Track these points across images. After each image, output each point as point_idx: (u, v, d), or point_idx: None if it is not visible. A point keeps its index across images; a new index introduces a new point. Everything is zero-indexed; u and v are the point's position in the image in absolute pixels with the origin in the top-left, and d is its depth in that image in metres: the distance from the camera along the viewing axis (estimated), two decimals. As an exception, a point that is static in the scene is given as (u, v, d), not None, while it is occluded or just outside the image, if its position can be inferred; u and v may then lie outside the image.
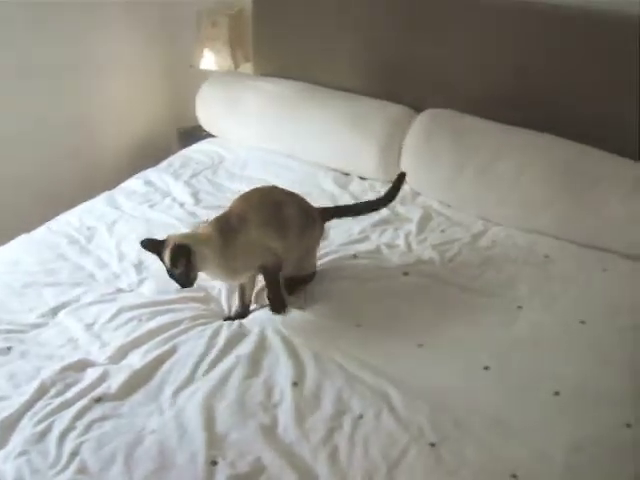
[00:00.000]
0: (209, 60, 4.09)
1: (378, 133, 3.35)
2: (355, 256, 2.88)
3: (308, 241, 2.65)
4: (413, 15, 3.45)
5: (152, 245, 2.41)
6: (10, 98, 3.68)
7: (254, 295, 2.66)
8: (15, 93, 3.69)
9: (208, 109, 3.96)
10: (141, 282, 2.75)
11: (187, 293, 2.60)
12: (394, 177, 3.21)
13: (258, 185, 2.80)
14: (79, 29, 3.95)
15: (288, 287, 2.65)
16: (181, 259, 2.31)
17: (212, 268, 2.44)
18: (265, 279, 2.58)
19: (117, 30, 4.21)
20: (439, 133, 3.25)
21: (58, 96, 3.92)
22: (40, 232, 3.06)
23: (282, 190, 2.68)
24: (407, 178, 3.12)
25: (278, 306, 2.58)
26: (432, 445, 2.01)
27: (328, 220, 2.79)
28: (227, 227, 2.45)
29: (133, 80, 4.41)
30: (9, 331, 2.47)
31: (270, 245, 2.51)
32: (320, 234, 2.74)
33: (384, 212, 3.15)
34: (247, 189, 2.72)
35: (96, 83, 4.15)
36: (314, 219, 2.67)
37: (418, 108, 3.44)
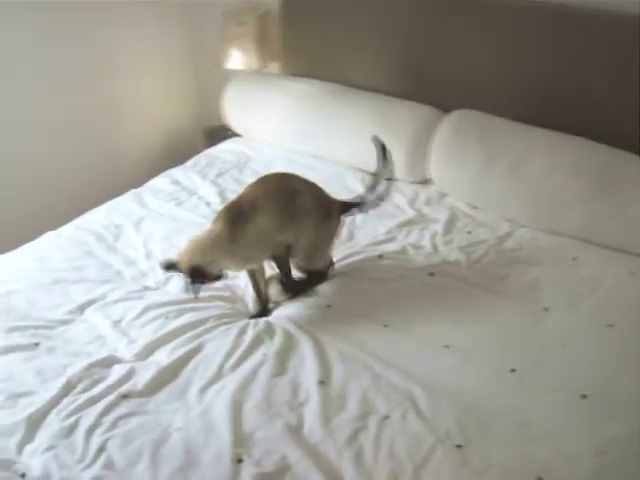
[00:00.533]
0: (236, 59, 4.09)
1: (406, 134, 3.34)
2: (381, 256, 2.87)
3: (322, 233, 2.64)
4: (442, 16, 3.44)
5: (172, 266, 2.44)
6: (39, 98, 3.71)
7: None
8: (44, 93, 3.73)
9: (234, 108, 3.97)
10: (168, 280, 2.75)
11: (213, 292, 2.62)
12: (421, 178, 3.25)
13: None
14: (105, 29, 3.97)
15: (299, 283, 2.68)
16: (198, 280, 2.38)
17: (224, 263, 2.46)
18: (276, 264, 2.60)
19: (143, 30, 4.22)
20: (467, 134, 3.24)
21: (86, 96, 3.94)
22: (67, 229, 3.09)
23: (301, 179, 2.66)
24: (434, 179, 3.13)
25: (291, 287, 2.61)
26: (458, 447, 2.00)
27: (348, 213, 2.77)
28: (237, 217, 2.46)
29: (160, 79, 4.42)
30: (37, 327, 2.48)
31: (279, 237, 2.52)
32: (336, 228, 2.71)
33: (410, 213, 3.18)
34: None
35: (123, 83, 4.17)
36: (330, 212, 2.66)
37: (446, 109, 3.43)
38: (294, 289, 2.62)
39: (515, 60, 3.28)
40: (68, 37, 3.77)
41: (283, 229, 2.51)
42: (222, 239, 2.42)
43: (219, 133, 4.26)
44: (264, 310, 2.60)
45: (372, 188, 2.78)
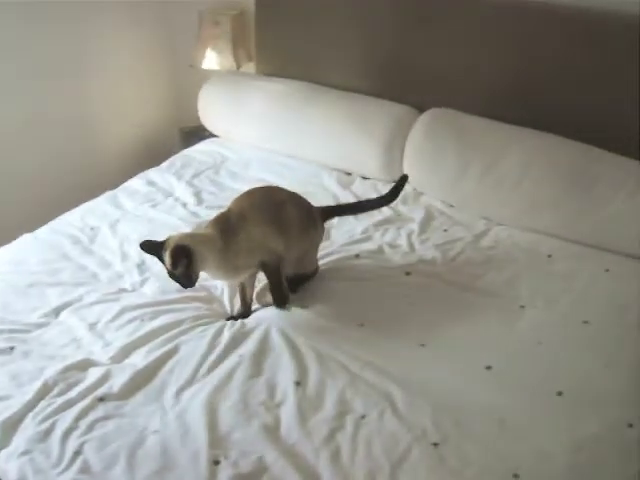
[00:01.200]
0: (211, 60, 4.08)
1: (381, 133, 3.35)
2: (358, 256, 2.87)
3: (309, 241, 2.67)
4: (416, 14, 3.45)
5: (151, 247, 2.41)
6: (11, 98, 3.68)
7: (255, 294, 2.67)
8: (15, 93, 3.70)
9: (210, 109, 3.97)
10: (144, 282, 2.75)
11: (189, 293, 2.60)
12: (396, 177, 3.24)
13: (259, 184, 2.84)
14: (79, 28, 3.95)
15: (290, 284, 2.65)
16: (182, 260, 2.31)
17: (213, 268, 2.44)
18: (266, 274, 2.58)
19: (118, 29, 4.21)
20: (442, 133, 3.25)
21: (59, 96, 3.92)
22: (43, 232, 3.07)
23: (284, 190, 2.69)
24: (410, 178, 3.12)
25: (280, 300, 2.59)
26: (435, 445, 2.00)
27: (329, 219, 2.81)
28: (227, 227, 2.46)
29: (135, 79, 4.41)
30: (12, 331, 2.47)
31: (270, 244, 2.51)
32: (321, 234, 2.75)
33: (386, 212, 3.16)
34: (246, 187, 2.81)
35: (97, 82, 4.15)
36: (315, 219, 2.68)
37: (421, 108, 3.43)
38: (283, 301, 2.60)
39: (492, 58, 3.30)
40: (41, 35, 3.74)
41: (273, 237, 2.52)
42: (216, 242, 2.40)
43: (195, 134, 4.25)
44: (245, 314, 2.60)
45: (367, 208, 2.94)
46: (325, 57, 3.81)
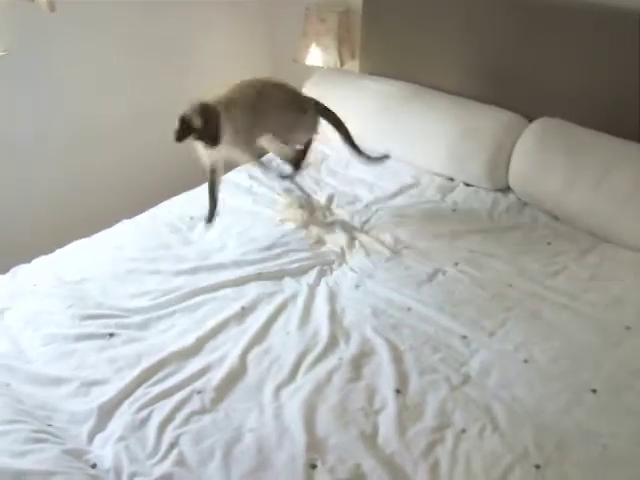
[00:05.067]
0: (315, 56, 4.05)
1: (488, 139, 3.26)
2: (457, 264, 2.81)
3: (296, 121, 3.03)
4: (525, 20, 3.34)
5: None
6: (114, 94, 3.76)
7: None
8: (118, 89, 3.78)
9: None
10: (241, 272, 2.75)
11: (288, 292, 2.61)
12: (501, 186, 3.20)
13: (358, 184, 3.18)
14: (181, 23, 3.98)
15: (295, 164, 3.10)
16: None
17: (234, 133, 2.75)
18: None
19: (219, 23, 4.21)
20: (551, 143, 3.14)
21: (158, 91, 3.95)
22: (143, 219, 3.09)
23: (275, 81, 3.04)
24: (515, 187, 3.06)
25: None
26: (537, 467, 1.94)
27: (323, 114, 3.12)
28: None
29: (236, 72, 4.37)
30: (111, 316, 2.48)
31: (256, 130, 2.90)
32: (311, 120, 3.08)
33: (487, 220, 3.10)
34: (348, 187, 3.24)
35: (195, 76, 4.15)
36: (303, 106, 3.04)
37: (528, 115, 3.34)
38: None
39: (604, 70, 3.17)
40: (140, 31, 3.79)
41: (258, 123, 2.86)
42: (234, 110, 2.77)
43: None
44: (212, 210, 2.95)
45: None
46: (431, 59, 3.73)
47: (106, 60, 3.67)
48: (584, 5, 3.16)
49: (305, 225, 3.03)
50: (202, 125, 2.65)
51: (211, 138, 2.70)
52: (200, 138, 2.70)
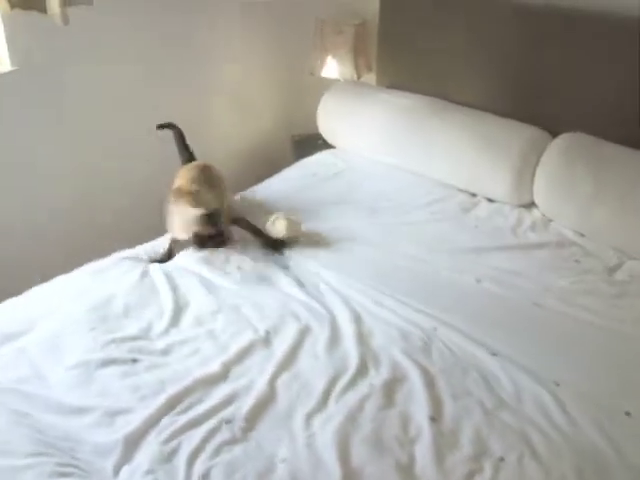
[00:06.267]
0: (331, 68, 4.00)
1: (512, 155, 3.21)
2: (479, 281, 2.75)
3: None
4: (546, 33, 3.31)
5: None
6: (134, 104, 3.71)
7: None
8: (137, 100, 3.72)
9: (330, 118, 3.88)
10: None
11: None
12: (525, 201, 3.14)
13: (379, 197, 3.23)
14: (197, 35, 3.93)
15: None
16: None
17: None
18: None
19: (235, 37, 4.17)
20: (577, 159, 3.09)
21: (177, 102, 3.90)
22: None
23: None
24: (540, 203, 3.01)
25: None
26: (578, 496, 1.88)
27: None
28: None
29: (250, 88, 4.36)
30: (134, 338, 2.42)
31: None
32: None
33: (512, 237, 3.04)
34: (367, 201, 3.29)
35: (211, 89, 4.13)
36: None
37: (550, 129, 3.29)
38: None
39: (630, 82, 3.11)
40: (158, 46, 3.74)
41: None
42: None
43: (307, 142, 4.19)
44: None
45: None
46: (449, 72, 3.69)
47: (120, 75, 3.61)
48: (609, 17, 3.12)
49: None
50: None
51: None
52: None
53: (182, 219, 2.85)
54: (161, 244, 2.97)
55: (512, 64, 3.47)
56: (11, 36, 3.14)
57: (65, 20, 3.00)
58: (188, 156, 3.26)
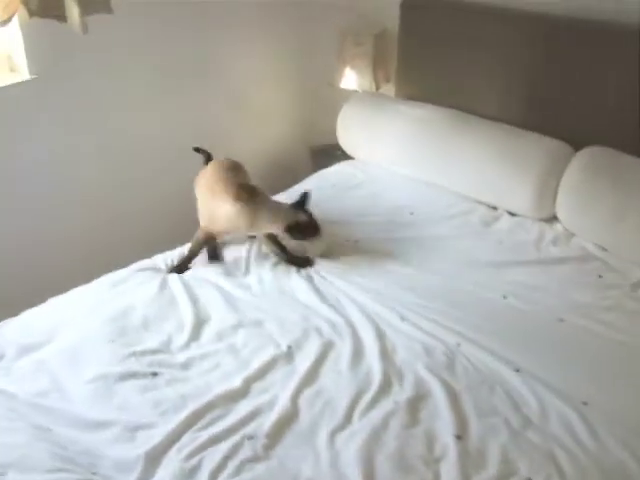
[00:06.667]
0: (350, 79, 3.98)
1: (534, 168, 3.17)
2: (505, 297, 2.71)
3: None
4: (567, 44, 3.28)
5: None
6: (143, 113, 3.69)
7: None
8: (148, 108, 3.71)
9: (349, 130, 3.85)
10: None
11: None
12: (547, 215, 3.12)
13: (400, 210, 3.18)
14: (213, 43, 3.92)
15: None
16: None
17: None
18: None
19: (253, 46, 4.15)
20: (599, 173, 3.06)
21: (189, 111, 3.90)
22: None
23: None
24: (562, 217, 2.98)
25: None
26: (609, 520, 1.85)
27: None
28: None
29: (268, 97, 4.34)
30: (154, 352, 2.39)
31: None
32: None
33: (534, 252, 3.02)
34: (387, 214, 3.25)
35: (228, 98, 4.11)
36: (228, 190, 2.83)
37: (573, 143, 3.25)
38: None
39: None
40: (177, 53, 3.73)
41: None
42: None
43: (325, 152, 4.17)
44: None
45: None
46: (468, 84, 3.66)
47: (138, 85, 3.60)
48: (632, 28, 3.08)
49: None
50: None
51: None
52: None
53: (269, 214, 2.82)
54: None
55: (532, 76, 3.44)
56: (30, 44, 3.13)
57: (84, 29, 2.99)
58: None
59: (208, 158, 3.16)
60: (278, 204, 2.90)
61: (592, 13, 3.19)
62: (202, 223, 2.90)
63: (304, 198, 2.89)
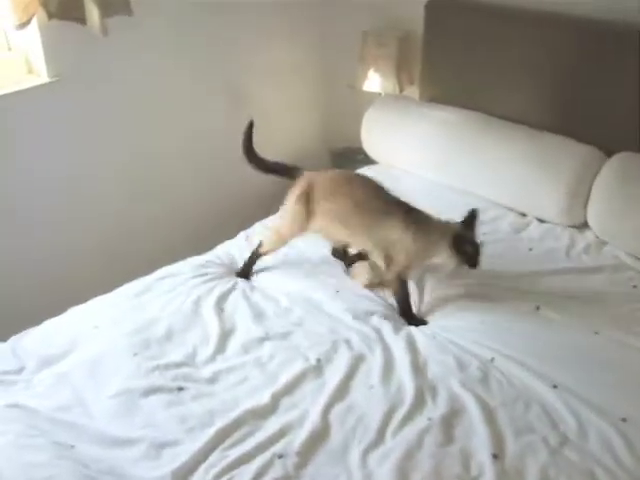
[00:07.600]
0: (374, 82, 3.91)
1: (565, 175, 3.09)
2: (538, 308, 2.64)
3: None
4: (596, 49, 3.21)
5: None
6: (168, 118, 3.66)
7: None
8: (172, 113, 3.67)
9: (373, 134, 3.78)
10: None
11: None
12: (577, 223, 3.06)
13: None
14: (235, 44, 3.87)
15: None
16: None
17: None
18: None
19: (273, 47, 4.10)
20: (632, 179, 2.99)
21: (215, 118, 3.86)
22: (210, 257, 2.98)
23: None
24: (594, 225, 2.93)
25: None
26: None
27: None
28: None
29: (288, 99, 4.28)
30: (179, 365, 2.33)
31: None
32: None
33: (566, 260, 2.95)
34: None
35: (250, 101, 4.05)
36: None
37: (603, 148, 3.18)
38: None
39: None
40: (198, 55, 3.69)
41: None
42: None
43: (345, 155, 4.13)
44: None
45: None
46: (494, 86, 3.58)
47: (158, 87, 3.55)
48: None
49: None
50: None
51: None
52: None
53: (424, 242, 2.59)
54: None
55: (559, 79, 3.36)
56: (49, 47, 3.08)
57: (104, 31, 2.96)
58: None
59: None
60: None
61: (626, 14, 3.11)
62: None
63: (472, 216, 2.64)
